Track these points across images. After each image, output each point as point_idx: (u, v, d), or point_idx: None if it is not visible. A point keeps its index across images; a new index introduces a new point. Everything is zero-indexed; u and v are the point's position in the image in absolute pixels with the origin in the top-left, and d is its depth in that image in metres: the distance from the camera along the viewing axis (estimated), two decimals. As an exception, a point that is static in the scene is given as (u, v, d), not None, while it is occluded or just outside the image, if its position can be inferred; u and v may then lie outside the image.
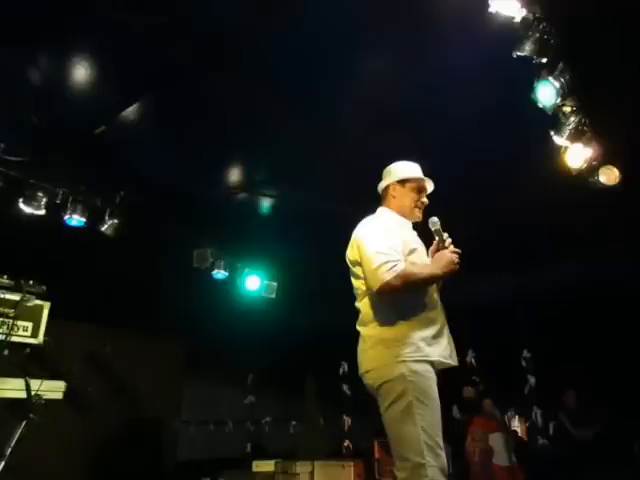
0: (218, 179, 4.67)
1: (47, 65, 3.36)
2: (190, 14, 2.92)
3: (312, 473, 6.38)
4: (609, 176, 3.70)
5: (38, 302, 3.32)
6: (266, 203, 5.16)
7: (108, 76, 3.42)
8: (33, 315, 3.31)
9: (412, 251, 2.34)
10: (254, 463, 6.73)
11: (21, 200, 4.20)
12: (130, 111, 3.68)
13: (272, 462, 6.56)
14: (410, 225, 2.53)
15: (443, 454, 2.05)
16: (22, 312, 3.17)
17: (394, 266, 2.17)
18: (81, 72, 3.34)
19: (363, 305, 2.35)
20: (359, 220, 2.49)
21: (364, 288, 2.34)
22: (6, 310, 3.08)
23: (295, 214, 5.16)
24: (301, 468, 6.34)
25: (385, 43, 3.13)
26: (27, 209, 4.21)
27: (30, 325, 3.29)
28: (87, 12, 2.83)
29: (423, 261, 2.39)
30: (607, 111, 3.52)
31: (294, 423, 8.73)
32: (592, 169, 3.66)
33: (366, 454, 7.05)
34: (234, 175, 4.75)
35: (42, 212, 4.27)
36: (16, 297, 3.15)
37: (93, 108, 3.67)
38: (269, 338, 7.38)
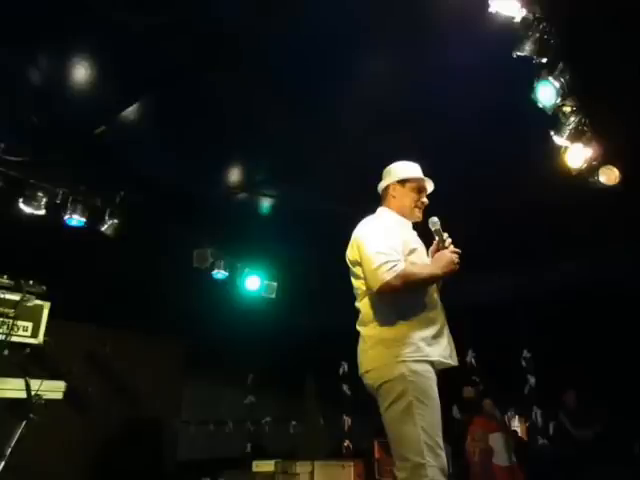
0: (218, 179, 4.67)
1: (47, 65, 3.36)
2: (190, 14, 2.92)
3: (312, 473, 6.38)
4: (609, 176, 3.70)
5: (38, 302, 3.32)
6: (266, 203, 5.16)
7: (108, 76, 3.41)
8: (33, 315, 3.31)
9: (412, 251, 2.34)
10: (254, 463, 6.73)
11: (21, 200, 4.20)
12: (130, 111, 3.68)
13: (272, 462, 6.56)
14: (410, 225, 2.53)
15: (443, 454, 2.05)
16: (22, 312, 3.17)
17: (394, 266, 2.17)
18: (81, 72, 3.34)
19: (363, 305, 2.35)
20: (359, 220, 2.48)
21: (364, 288, 2.34)
22: (6, 310, 3.08)
23: (295, 214, 5.15)
24: (301, 468, 6.34)
25: (385, 43, 3.13)
26: (27, 209, 4.21)
27: (30, 325, 3.29)
28: (87, 12, 2.83)
29: (423, 261, 2.39)
30: (607, 111, 3.52)
31: (294, 423, 8.73)
32: (592, 169, 3.66)
33: (366, 454, 7.05)
34: (234, 175, 4.75)
35: (42, 212, 4.27)
36: (16, 297, 3.15)
37: (93, 108, 3.67)
38: (269, 338, 7.37)
